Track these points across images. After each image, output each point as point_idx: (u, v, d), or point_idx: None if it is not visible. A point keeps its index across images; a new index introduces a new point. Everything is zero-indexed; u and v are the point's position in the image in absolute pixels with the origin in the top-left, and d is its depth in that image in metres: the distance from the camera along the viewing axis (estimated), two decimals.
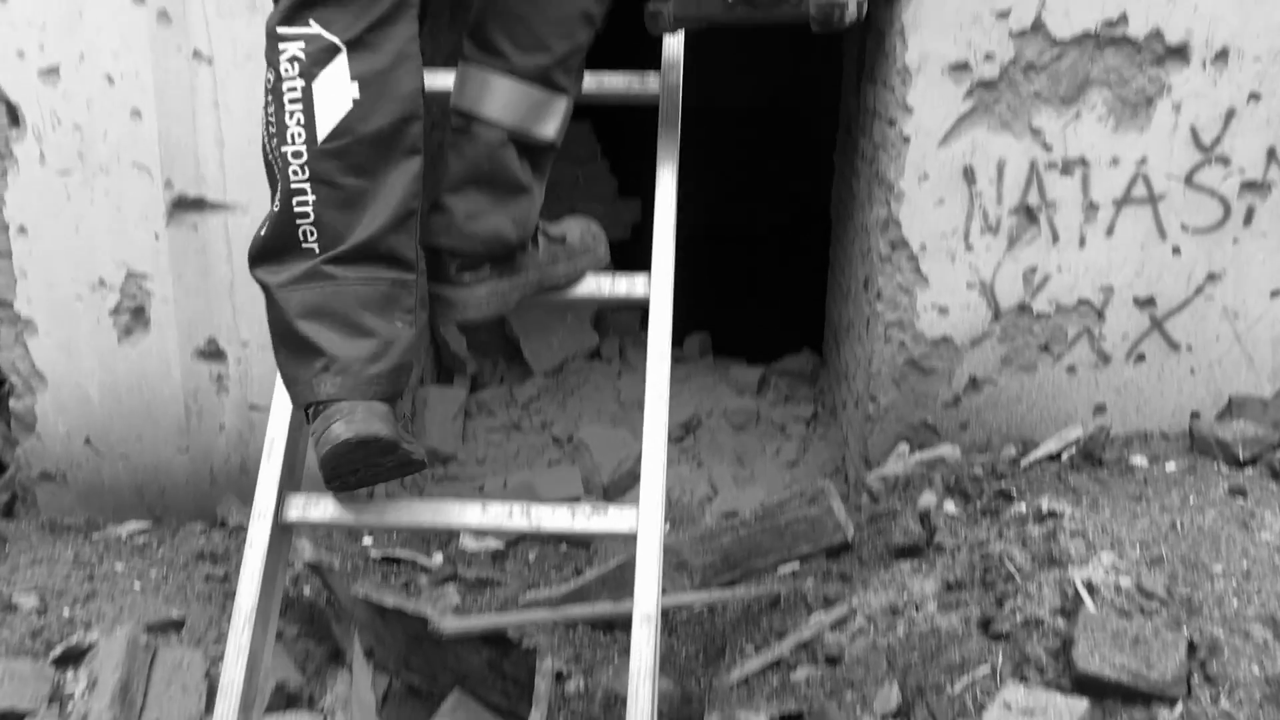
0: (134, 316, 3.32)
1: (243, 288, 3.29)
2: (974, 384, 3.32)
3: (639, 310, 4.96)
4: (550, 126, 1.70)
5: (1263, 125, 3.09)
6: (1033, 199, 3.18)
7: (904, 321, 3.30)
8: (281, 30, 1.49)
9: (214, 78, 3.14)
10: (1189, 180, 3.15)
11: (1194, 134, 3.11)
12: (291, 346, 1.52)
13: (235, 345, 3.35)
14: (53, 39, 3.09)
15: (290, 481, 1.68)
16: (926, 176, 3.18)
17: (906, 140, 3.16)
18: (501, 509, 1.63)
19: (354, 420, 1.46)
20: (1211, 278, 3.22)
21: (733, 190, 6.25)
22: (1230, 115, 3.09)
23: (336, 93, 1.46)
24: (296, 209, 1.50)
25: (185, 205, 3.23)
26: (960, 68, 3.09)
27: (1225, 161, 3.13)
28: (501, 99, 1.64)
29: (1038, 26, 3.05)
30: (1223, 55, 3.04)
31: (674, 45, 1.83)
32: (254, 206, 3.22)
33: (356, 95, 1.47)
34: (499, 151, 1.65)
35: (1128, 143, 3.13)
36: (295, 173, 1.49)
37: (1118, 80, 3.08)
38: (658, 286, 1.72)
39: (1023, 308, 3.26)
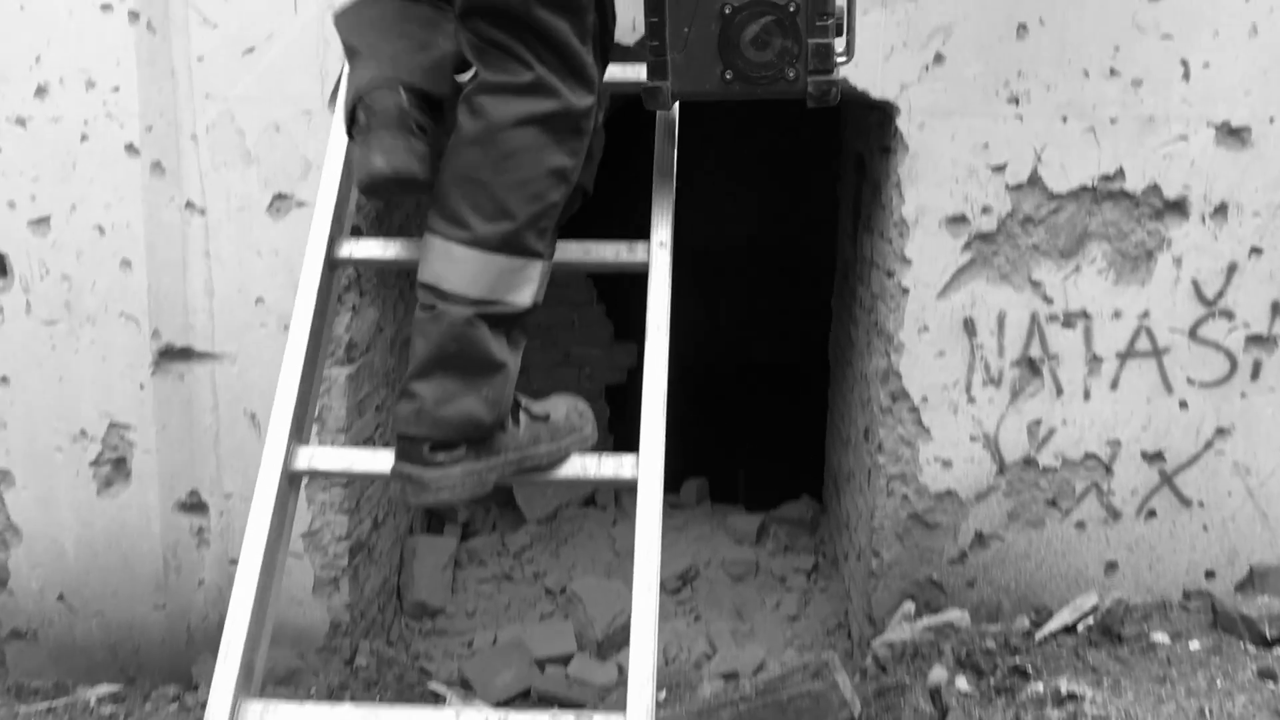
0: (115, 468, 3.22)
1: (227, 438, 3.21)
2: (980, 540, 3.22)
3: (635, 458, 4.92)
4: (525, 294, 1.63)
5: (1266, 279, 3.06)
6: (1035, 351, 3.12)
7: (906, 474, 3.21)
8: None
9: (206, 228, 3.11)
10: (1193, 334, 3.10)
11: (1196, 288, 3.08)
12: (348, 58, 1.71)
13: (218, 497, 3.25)
14: (45, 189, 3.07)
15: (246, 687, 1.56)
16: (926, 328, 3.13)
17: (905, 292, 3.12)
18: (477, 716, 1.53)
19: (394, 154, 1.56)
20: (1220, 432, 3.14)
21: (730, 327, 6.22)
22: (1232, 269, 3.05)
23: None
24: None
25: (172, 355, 3.17)
26: (958, 220, 3.07)
27: (1229, 315, 3.08)
28: (467, 271, 1.57)
29: (1034, 180, 3.04)
30: (1222, 210, 3.02)
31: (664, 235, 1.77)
32: (242, 356, 3.16)
33: None
34: (466, 330, 1.57)
35: (1129, 296, 3.09)
36: None
37: (1117, 234, 3.06)
38: (646, 469, 1.63)
39: (1028, 461, 3.17)
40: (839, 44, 1.58)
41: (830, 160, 4.36)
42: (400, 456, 1.63)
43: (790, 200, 6.01)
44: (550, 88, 1.54)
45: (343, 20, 1.77)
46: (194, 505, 3.25)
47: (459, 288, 1.57)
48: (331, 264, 1.85)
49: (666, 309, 1.73)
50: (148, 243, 3.11)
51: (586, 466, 1.72)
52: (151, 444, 3.20)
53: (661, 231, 1.77)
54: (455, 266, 1.57)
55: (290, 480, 1.68)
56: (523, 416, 1.72)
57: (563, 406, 1.78)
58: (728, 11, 1.51)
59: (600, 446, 1.82)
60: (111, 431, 3.20)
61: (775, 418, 5.82)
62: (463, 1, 1.55)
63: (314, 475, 1.73)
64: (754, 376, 6.31)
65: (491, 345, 1.60)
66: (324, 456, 1.72)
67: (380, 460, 1.70)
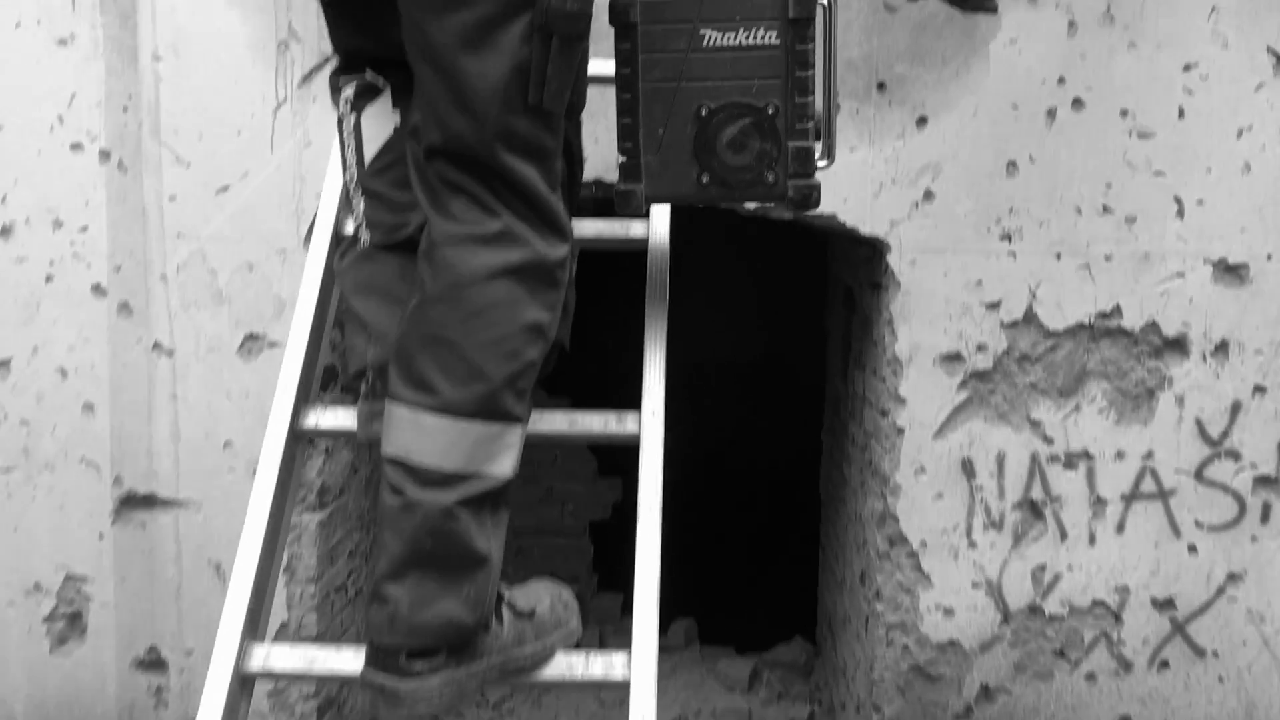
0: (70, 624, 3.04)
1: (190, 590, 3.04)
2: (987, 693, 3.05)
3: (621, 597, 4.77)
4: (504, 464, 1.49)
5: (1271, 419, 2.96)
6: (1036, 494, 3.00)
7: (906, 624, 3.05)
8: (343, 77, 1.68)
9: (174, 370, 2.99)
10: (1199, 475, 2.99)
11: (1200, 427, 2.98)
12: (349, 320, 1.70)
13: (178, 654, 3.06)
14: (6, 332, 2.96)
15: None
16: (923, 470, 3.01)
17: (900, 432, 3.01)
18: None
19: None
20: (1232, 578, 3.02)
21: (717, 450, 6.10)
22: (1236, 408, 2.96)
23: (381, 121, 1.63)
24: (358, 219, 1.71)
25: (134, 503, 3.02)
26: (952, 358, 2.98)
27: (1235, 456, 2.98)
28: (439, 442, 1.42)
29: (1029, 318, 2.96)
30: (1223, 348, 2.94)
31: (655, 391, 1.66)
32: (208, 504, 3.01)
33: (397, 122, 1.63)
34: (445, 523, 1.42)
35: (1132, 436, 2.98)
36: (355, 192, 1.70)
37: (1116, 372, 2.97)
38: (639, 671, 1.48)
39: (1034, 609, 3.03)
40: (818, 148, 1.55)
41: (817, 289, 4.30)
42: (371, 663, 1.47)
43: (778, 326, 5.95)
44: (520, 237, 1.43)
45: (346, 279, 1.74)
46: (153, 663, 3.06)
47: (432, 461, 1.41)
48: (296, 435, 1.73)
49: (659, 485, 1.60)
50: (112, 385, 2.99)
51: (574, 666, 1.57)
52: (110, 597, 3.03)
53: (653, 398, 1.65)
54: (426, 438, 1.42)
55: (242, 683, 1.52)
56: (506, 614, 1.57)
57: (546, 598, 1.64)
58: (704, 113, 1.47)
59: (584, 588, 1.69)
60: (68, 584, 3.03)
61: (765, 550, 5.65)
62: (425, 143, 1.46)
63: (270, 676, 1.57)
64: (742, 505, 6.16)
65: (474, 537, 1.45)
66: (282, 655, 1.56)
67: (346, 660, 1.54)
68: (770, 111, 1.47)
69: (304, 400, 1.75)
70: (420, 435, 1.42)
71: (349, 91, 1.68)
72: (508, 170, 1.41)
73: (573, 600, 1.68)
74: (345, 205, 1.80)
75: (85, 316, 2.97)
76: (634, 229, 1.87)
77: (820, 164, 1.56)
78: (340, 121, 1.71)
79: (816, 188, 1.53)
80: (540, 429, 1.67)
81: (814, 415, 4.21)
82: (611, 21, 1.50)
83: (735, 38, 1.44)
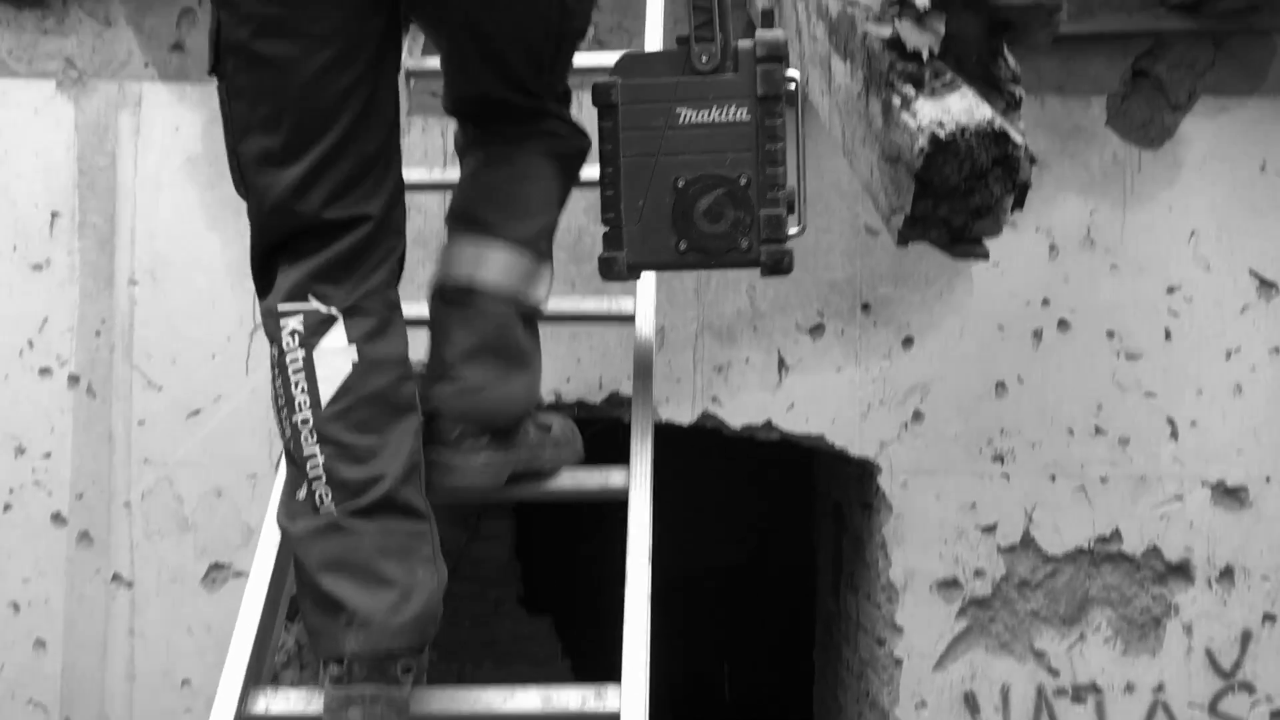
0: None
1: None
2: None
3: None
4: (540, 292, 1.73)
5: None
6: None
7: None
8: (282, 307, 1.53)
9: (133, 603, 2.84)
10: (1213, 709, 2.85)
11: (1211, 658, 2.85)
12: (315, 599, 1.50)
13: None
14: None
15: None
16: (924, 704, 2.85)
17: (899, 663, 2.86)
18: None
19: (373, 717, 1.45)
20: None
21: (704, 655, 5.87)
22: (1247, 638, 2.84)
23: (336, 358, 1.52)
24: (310, 472, 1.50)
25: None
26: (949, 584, 2.87)
27: (1250, 689, 2.85)
28: (500, 265, 1.66)
29: (1027, 542, 2.87)
30: (1228, 574, 2.85)
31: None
32: None
33: (355, 359, 1.53)
34: (508, 323, 1.66)
35: (1140, 667, 2.85)
36: (306, 439, 1.51)
37: (1120, 599, 2.85)
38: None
39: None
40: (791, 216, 1.64)
41: (803, 501, 4.20)
42: (430, 440, 1.62)
43: (764, 537, 5.83)
44: (559, 134, 1.73)
45: (308, 553, 1.57)
46: None
47: (495, 281, 1.65)
48: None
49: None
50: (66, 620, 2.83)
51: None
52: None
53: (634, 687, 1.52)
54: (489, 264, 1.65)
55: None
56: (530, 424, 1.75)
57: (558, 422, 1.84)
58: (681, 185, 1.58)
59: None
60: None
61: None
62: (485, 98, 1.69)
63: None
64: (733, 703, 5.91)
65: (524, 340, 1.69)
66: None
67: None
68: (743, 182, 1.58)
69: (254, 681, 1.61)
70: (483, 262, 1.65)
71: (294, 324, 1.52)
72: (560, 86, 1.74)
73: (576, 430, 1.86)
74: (291, 460, 1.54)
75: (43, 547, 2.84)
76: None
77: (792, 230, 1.64)
78: (281, 358, 1.53)
79: (788, 253, 1.62)
80: (513, 709, 1.54)
81: (803, 633, 4.04)
82: (594, 102, 1.63)
83: (709, 115, 1.57)
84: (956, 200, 1.49)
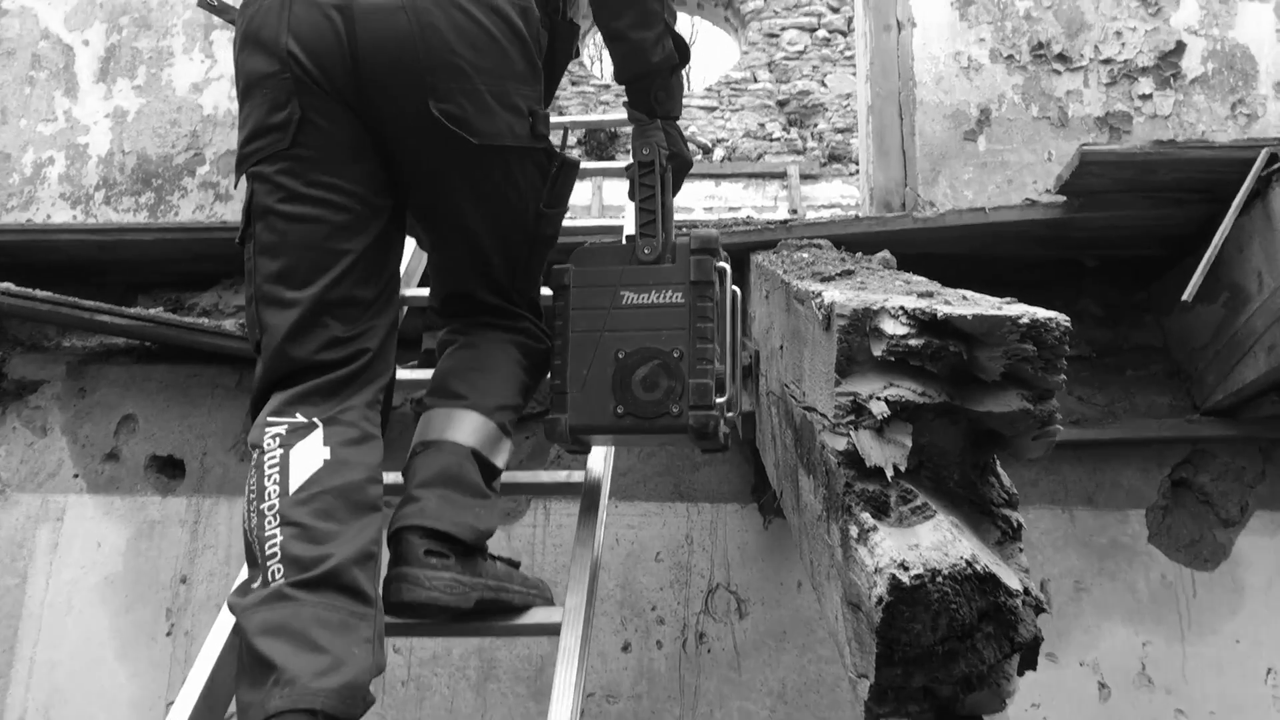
0: None
1: None
2: None
3: None
4: (500, 459, 1.81)
5: None
6: None
7: None
8: (270, 419, 1.64)
9: None
10: None
11: None
12: (249, 669, 1.49)
13: None
14: None
15: None
16: None
17: None
18: None
19: None
20: None
21: None
22: None
23: (310, 455, 1.62)
24: (268, 552, 1.55)
25: None
26: None
27: None
28: (466, 427, 1.77)
29: None
30: None
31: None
32: None
33: (327, 456, 1.61)
34: (466, 461, 1.74)
35: None
36: (269, 523, 1.57)
37: None
38: None
39: None
40: (727, 396, 1.76)
41: None
42: (396, 561, 1.68)
43: None
44: (530, 332, 1.90)
45: (251, 620, 1.61)
46: None
47: (460, 438, 1.76)
48: None
49: None
50: None
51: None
52: None
53: None
54: (457, 424, 1.77)
55: None
56: (499, 562, 1.80)
57: (527, 573, 1.91)
58: (621, 356, 1.74)
59: None
60: None
61: None
62: (469, 300, 1.89)
63: None
64: None
65: (481, 481, 1.75)
66: None
67: None
68: (676, 355, 1.73)
69: None
70: (452, 423, 1.78)
71: (278, 430, 1.65)
72: (532, 291, 1.93)
73: (549, 589, 1.87)
74: (249, 551, 1.58)
75: None
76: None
77: (729, 414, 1.77)
78: (260, 458, 1.63)
79: (715, 418, 1.71)
80: None
81: None
82: (548, 284, 1.84)
83: (649, 298, 1.75)
84: (934, 666, 1.11)
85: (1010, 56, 3.09)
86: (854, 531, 1.21)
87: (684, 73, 2.50)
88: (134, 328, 2.57)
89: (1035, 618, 1.18)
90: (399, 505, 1.72)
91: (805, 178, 8.31)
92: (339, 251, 1.68)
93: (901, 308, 1.27)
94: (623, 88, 1.97)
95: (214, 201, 3.06)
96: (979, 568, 1.10)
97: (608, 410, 1.73)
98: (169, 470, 2.68)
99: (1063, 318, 1.23)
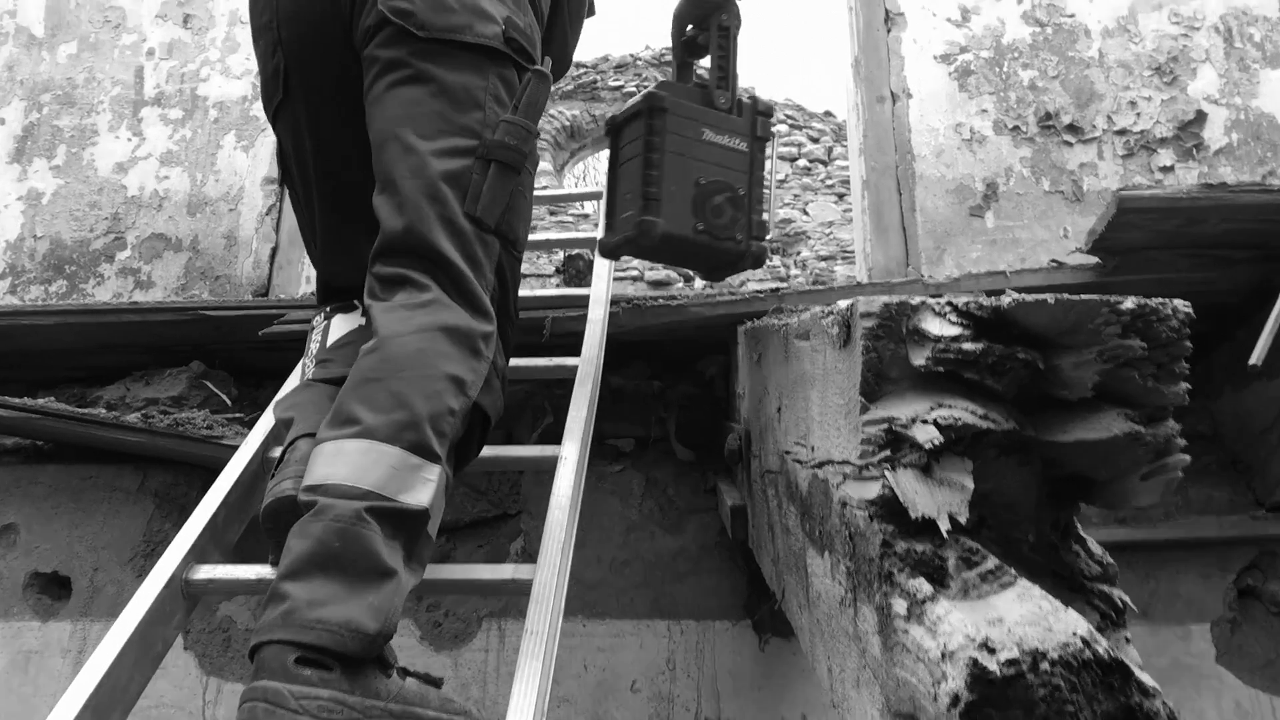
0: None
1: None
2: None
3: None
4: (421, 495, 1.38)
5: None
6: None
7: None
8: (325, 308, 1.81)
9: None
10: None
11: None
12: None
13: None
14: None
15: None
16: None
17: None
18: None
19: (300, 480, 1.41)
20: None
21: None
22: None
23: (349, 321, 1.76)
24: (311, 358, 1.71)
25: None
26: None
27: None
28: (356, 463, 1.36)
29: None
30: None
31: None
32: None
33: (361, 321, 1.70)
34: (353, 527, 1.31)
35: None
36: (314, 359, 1.75)
37: None
38: None
39: None
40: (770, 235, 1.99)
41: None
42: (257, 674, 1.24)
43: None
44: (449, 305, 1.52)
45: (279, 405, 1.73)
46: None
47: (346, 479, 1.35)
48: None
49: None
50: None
51: None
52: None
53: None
54: (344, 460, 1.37)
55: None
56: (412, 678, 1.36)
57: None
58: (702, 182, 1.94)
59: None
60: None
61: None
62: (374, 251, 1.55)
63: None
64: None
65: (382, 549, 1.32)
66: None
67: None
68: (741, 193, 1.97)
69: None
70: (339, 460, 1.38)
71: (329, 309, 1.78)
72: (440, 253, 1.52)
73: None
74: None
75: None
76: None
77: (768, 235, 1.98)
78: (315, 327, 1.78)
79: (765, 249, 1.95)
80: None
81: None
82: (648, 104, 1.93)
83: (722, 139, 1.99)
84: None
85: (1016, 128, 2.83)
86: (900, 607, 0.84)
87: None
88: (17, 420, 2.19)
89: None
90: (262, 607, 1.34)
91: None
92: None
93: (950, 303, 0.93)
94: (600, 200, 2.13)
95: (133, 289, 2.72)
96: (1100, 650, 0.72)
97: (690, 224, 1.91)
98: (53, 590, 2.26)
99: (1182, 303, 0.89)
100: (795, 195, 9.51)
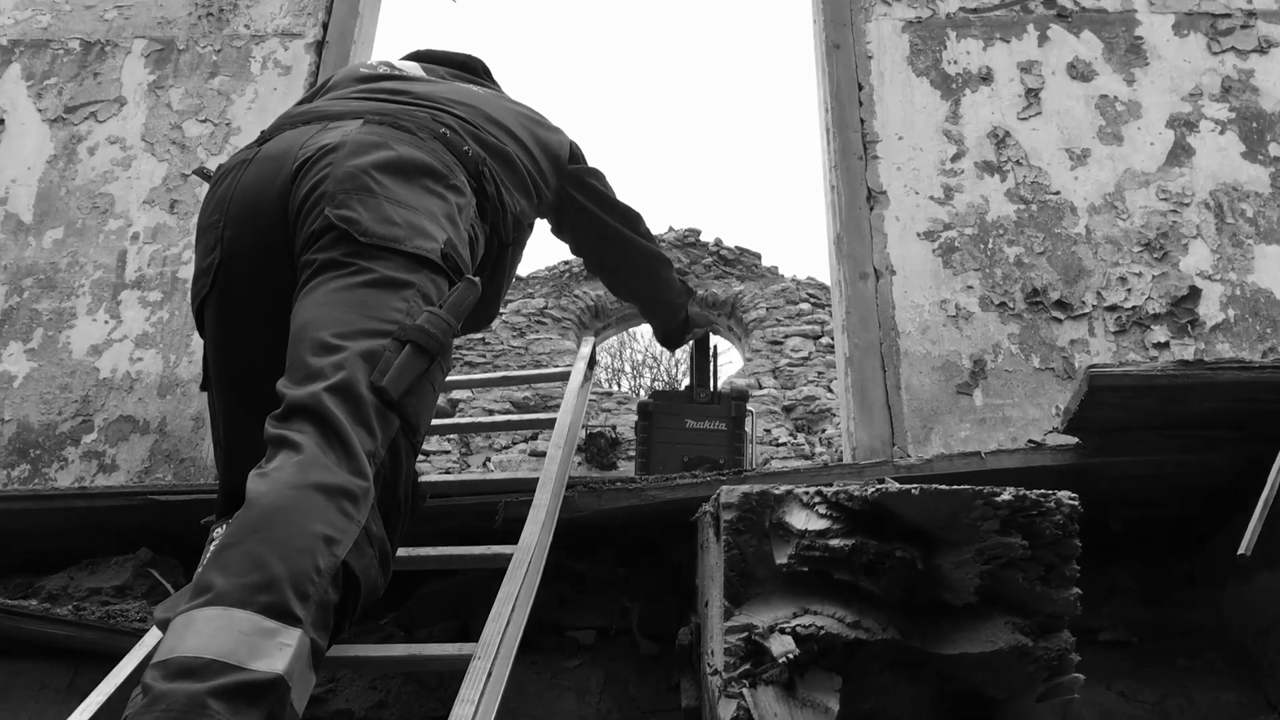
0: None
1: None
2: None
3: None
4: (277, 661, 1.22)
5: None
6: None
7: None
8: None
9: None
10: None
11: None
12: None
13: None
14: None
15: None
16: None
17: None
18: None
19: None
20: None
21: None
22: None
23: None
24: None
25: None
26: None
27: None
28: (203, 631, 1.22)
29: None
30: None
31: None
32: None
33: None
34: (193, 713, 1.13)
35: None
36: None
37: None
38: None
39: None
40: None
41: None
42: None
43: None
44: (323, 463, 1.40)
45: (161, 607, 1.60)
46: None
47: (191, 650, 1.20)
48: None
49: None
50: None
51: None
52: None
53: None
54: (193, 631, 1.23)
55: None
56: None
57: None
58: (686, 460, 2.57)
59: None
60: None
61: None
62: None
63: None
64: None
65: None
66: None
67: None
68: (721, 460, 2.56)
69: None
70: (188, 631, 1.24)
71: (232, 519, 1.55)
72: (325, 409, 1.44)
73: None
74: None
75: None
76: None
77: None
78: (212, 539, 1.71)
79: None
80: None
81: None
82: (640, 413, 2.70)
83: (703, 425, 2.64)
84: None
85: (1003, 304, 2.76)
86: None
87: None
88: None
89: None
90: None
91: None
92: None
93: (818, 492, 0.82)
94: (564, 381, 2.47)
95: (96, 473, 2.67)
96: None
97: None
98: None
99: (1066, 494, 0.78)
100: (819, 373, 9.47)
